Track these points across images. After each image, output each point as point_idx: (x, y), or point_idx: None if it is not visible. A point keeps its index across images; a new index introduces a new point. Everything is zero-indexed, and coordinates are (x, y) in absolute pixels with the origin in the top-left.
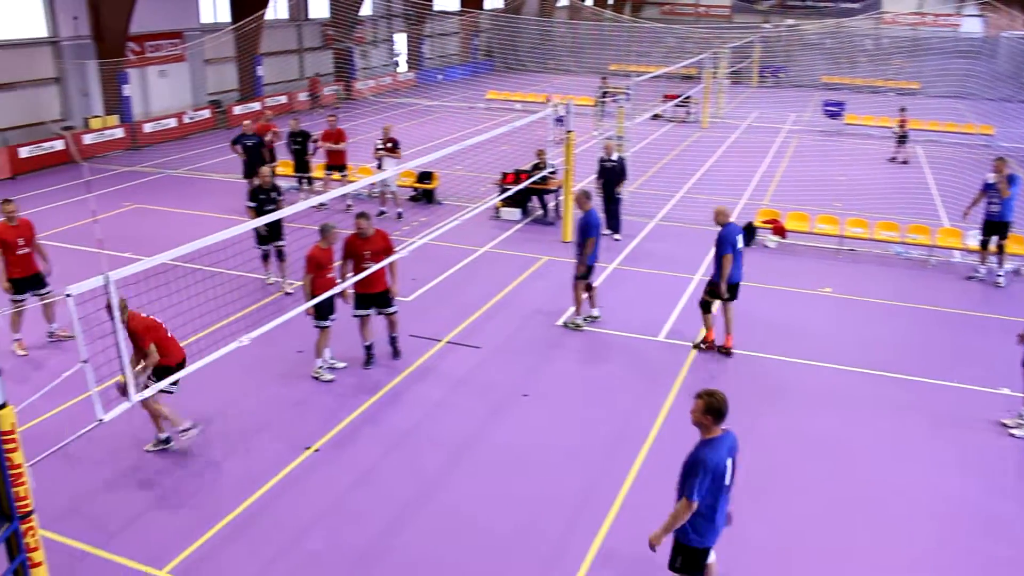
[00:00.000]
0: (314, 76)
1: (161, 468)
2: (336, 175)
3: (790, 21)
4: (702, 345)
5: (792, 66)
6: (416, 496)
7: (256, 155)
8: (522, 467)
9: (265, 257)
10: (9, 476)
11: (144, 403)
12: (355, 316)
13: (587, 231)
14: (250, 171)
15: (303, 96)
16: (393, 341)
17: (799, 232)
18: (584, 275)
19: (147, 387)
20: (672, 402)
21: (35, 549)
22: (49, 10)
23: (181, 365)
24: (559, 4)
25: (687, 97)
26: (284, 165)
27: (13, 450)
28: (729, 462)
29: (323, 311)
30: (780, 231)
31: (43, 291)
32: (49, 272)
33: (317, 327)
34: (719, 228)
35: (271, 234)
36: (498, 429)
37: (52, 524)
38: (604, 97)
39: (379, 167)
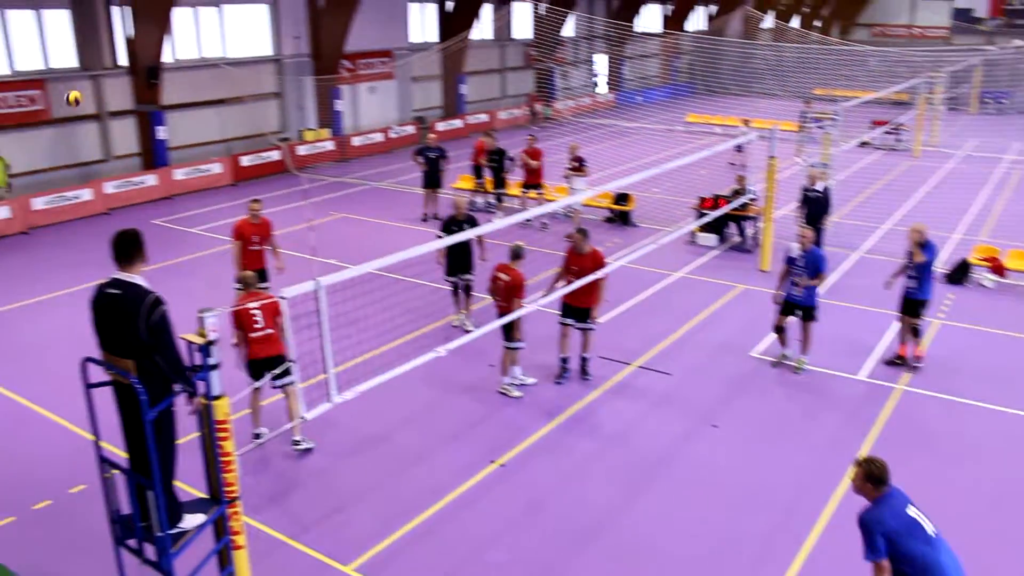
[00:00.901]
0: (532, 93)
1: (353, 468)
2: (532, 193)
3: (1018, 42)
4: (897, 360)
5: (1018, 91)
6: (599, 517)
7: (436, 167)
8: (707, 499)
9: (455, 290)
10: (221, 463)
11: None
12: (558, 323)
13: (822, 266)
14: (429, 182)
15: (503, 114)
16: (584, 361)
17: (1021, 272)
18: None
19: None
20: (872, 445)
21: (238, 533)
22: (275, 30)
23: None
24: (763, 26)
25: (898, 124)
26: (465, 180)
27: (226, 439)
28: (912, 510)
29: (514, 332)
30: (999, 269)
31: (263, 285)
32: (282, 269)
33: (507, 347)
34: (918, 245)
35: (458, 265)
36: (685, 458)
37: (252, 511)
38: (809, 122)
39: (568, 185)
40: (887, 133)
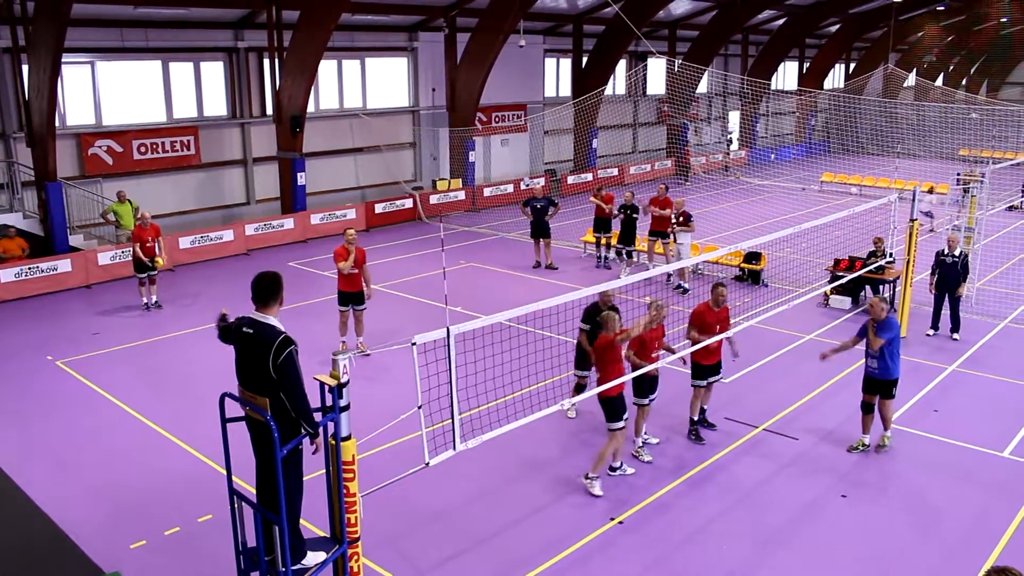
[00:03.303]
0: (687, 147)
1: (471, 515)
2: (658, 245)
3: None
4: None
5: None
6: None
7: (542, 217)
8: (830, 573)
9: (579, 388)
10: (345, 503)
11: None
12: (695, 386)
13: (882, 332)
14: (536, 232)
15: (634, 169)
16: (702, 412)
17: None
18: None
19: None
20: (1015, 532)
21: (357, 573)
22: (412, 82)
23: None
24: (905, 85)
25: None
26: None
27: (351, 479)
28: None
29: (644, 388)
30: None
31: (360, 307)
32: (369, 296)
33: (636, 404)
34: None
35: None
36: (810, 528)
37: (368, 551)
38: (959, 186)
39: (674, 240)
40: None
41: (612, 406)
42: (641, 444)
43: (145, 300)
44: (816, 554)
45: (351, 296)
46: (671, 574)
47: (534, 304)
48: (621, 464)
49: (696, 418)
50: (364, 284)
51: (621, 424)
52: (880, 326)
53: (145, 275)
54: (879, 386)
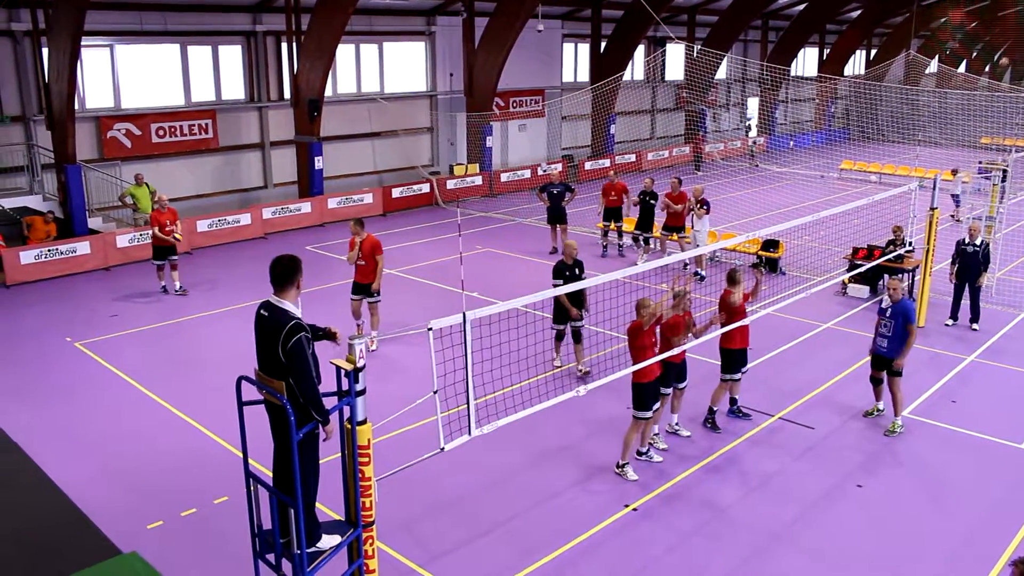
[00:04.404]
0: (699, 135)
1: (486, 500)
2: (674, 236)
3: None
4: None
5: None
6: (728, 573)
7: (559, 203)
8: (846, 566)
9: (559, 337)
10: (360, 487)
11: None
12: (732, 378)
13: (911, 316)
14: (553, 218)
15: (651, 155)
16: (734, 402)
17: None
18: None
19: None
20: None
21: (371, 557)
22: (430, 67)
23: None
24: (927, 71)
25: None
26: (628, 222)
27: (367, 464)
28: None
29: (670, 377)
30: None
31: (373, 299)
32: (375, 290)
33: (636, 417)
34: None
35: (567, 312)
36: (823, 518)
37: (383, 536)
38: (980, 174)
39: (691, 226)
40: None
41: (641, 393)
42: (656, 432)
43: (164, 284)
44: (831, 543)
45: (360, 287)
46: (684, 562)
47: (551, 290)
48: (648, 449)
49: (716, 408)
50: (375, 277)
51: (647, 414)
52: (893, 310)
53: (164, 261)
54: (886, 363)
